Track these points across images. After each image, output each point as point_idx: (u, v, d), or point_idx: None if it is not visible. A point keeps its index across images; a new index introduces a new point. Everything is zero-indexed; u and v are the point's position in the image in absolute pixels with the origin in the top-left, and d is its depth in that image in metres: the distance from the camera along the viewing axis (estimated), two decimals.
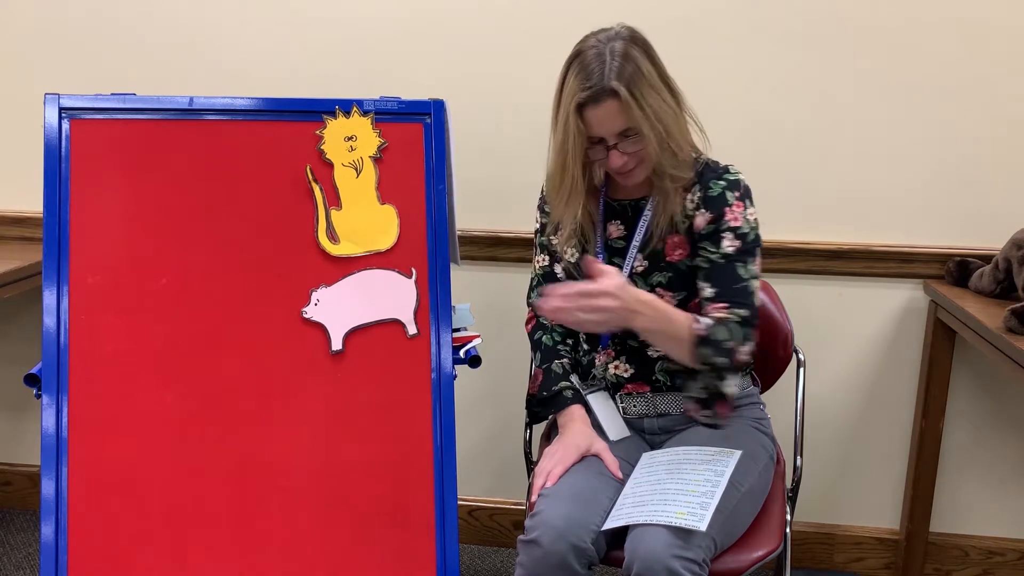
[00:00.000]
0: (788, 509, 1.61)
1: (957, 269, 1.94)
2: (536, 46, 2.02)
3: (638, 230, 1.57)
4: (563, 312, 1.35)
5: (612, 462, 1.51)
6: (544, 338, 1.69)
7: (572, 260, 1.62)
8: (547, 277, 1.69)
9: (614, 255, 1.59)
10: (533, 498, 1.48)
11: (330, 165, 1.48)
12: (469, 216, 2.04)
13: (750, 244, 1.51)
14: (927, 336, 2.02)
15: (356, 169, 1.49)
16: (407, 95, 1.52)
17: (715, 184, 1.52)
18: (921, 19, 1.91)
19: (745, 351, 1.46)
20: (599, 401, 1.63)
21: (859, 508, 2.16)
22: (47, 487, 1.38)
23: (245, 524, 1.40)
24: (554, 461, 1.50)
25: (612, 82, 1.41)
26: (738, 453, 1.47)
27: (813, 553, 2.19)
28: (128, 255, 1.45)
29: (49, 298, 1.41)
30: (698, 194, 1.53)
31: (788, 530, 1.58)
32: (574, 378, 1.64)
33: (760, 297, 1.54)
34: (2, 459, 2.43)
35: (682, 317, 1.45)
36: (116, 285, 1.44)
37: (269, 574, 1.40)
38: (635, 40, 1.46)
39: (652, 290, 1.55)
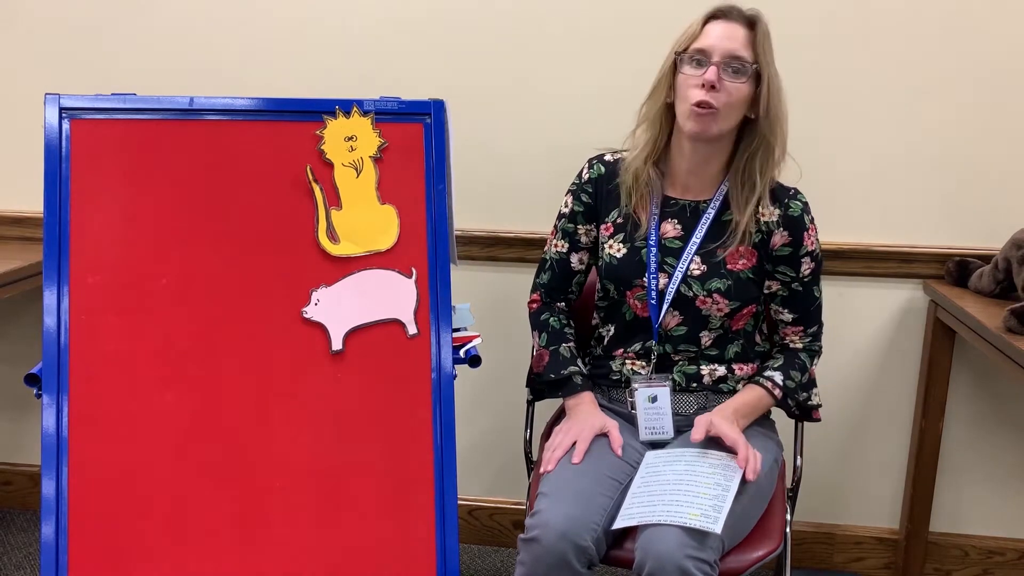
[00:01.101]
0: (788, 509, 1.62)
1: (957, 269, 1.94)
2: (537, 47, 2.02)
3: (697, 231, 1.57)
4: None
5: (617, 440, 1.53)
6: (551, 320, 1.69)
7: (618, 256, 1.61)
8: (561, 264, 1.69)
9: (667, 255, 1.58)
10: (550, 467, 1.50)
11: (330, 165, 1.48)
12: (469, 216, 2.04)
13: (820, 263, 1.63)
14: (927, 336, 2.02)
15: (356, 169, 1.49)
16: (407, 95, 1.52)
17: (794, 204, 1.57)
18: (921, 19, 1.91)
19: (815, 363, 1.67)
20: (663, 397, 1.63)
21: (859, 508, 2.16)
22: (47, 487, 1.38)
23: (245, 524, 1.40)
24: (571, 437, 1.53)
25: (753, 12, 1.50)
26: None
27: (813, 553, 2.19)
28: (128, 255, 1.45)
29: (49, 298, 1.41)
30: (777, 212, 1.56)
31: (788, 530, 1.58)
32: (580, 363, 1.65)
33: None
34: (2, 459, 2.43)
35: (760, 397, 1.58)
36: (116, 285, 1.44)
37: (269, 574, 1.40)
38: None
39: (709, 295, 1.55)
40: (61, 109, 1.46)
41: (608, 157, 1.66)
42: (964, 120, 1.94)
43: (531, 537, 1.39)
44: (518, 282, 1.98)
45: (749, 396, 1.59)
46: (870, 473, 2.14)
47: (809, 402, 1.65)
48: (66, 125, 1.45)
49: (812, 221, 1.60)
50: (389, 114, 1.50)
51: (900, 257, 2.01)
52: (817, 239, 1.61)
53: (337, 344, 1.45)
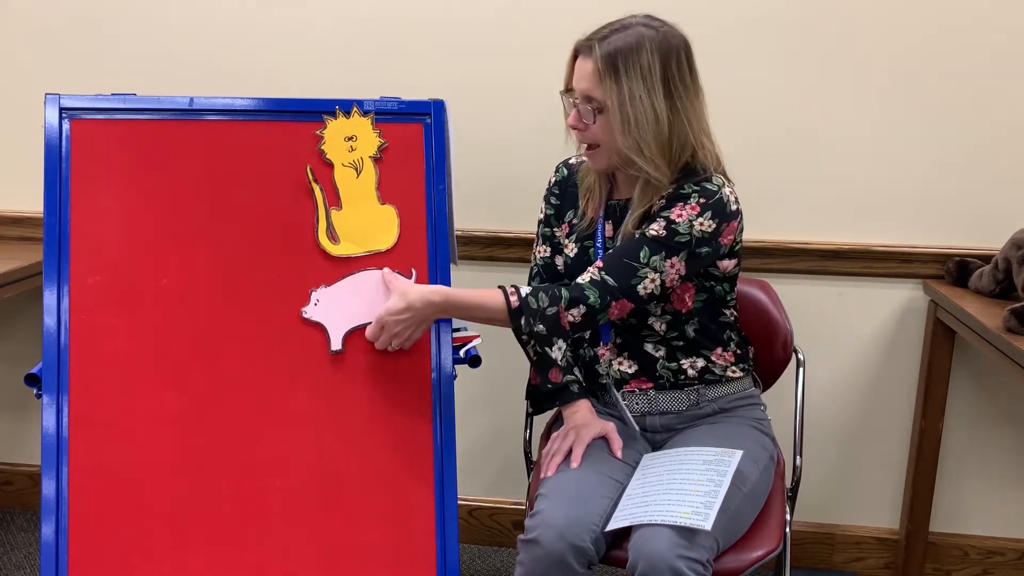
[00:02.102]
0: (788, 509, 1.62)
1: (957, 269, 1.94)
2: (536, 46, 2.02)
3: (620, 231, 1.58)
4: (384, 344, 1.44)
5: (616, 442, 1.53)
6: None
7: (571, 255, 1.63)
8: (547, 268, 1.71)
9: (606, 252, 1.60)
10: (550, 474, 1.50)
11: (330, 165, 1.49)
12: (469, 216, 2.04)
13: (674, 243, 1.46)
14: (927, 336, 2.02)
15: (356, 169, 1.49)
16: (407, 95, 1.52)
17: (688, 187, 1.50)
18: (921, 19, 1.91)
19: (574, 314, 1.45)
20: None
21: (859, 508, 2.16)
22: (47, 487, 1.38)
23: (245, 524, 1.40)
24: (568, 442, 1.53)
25: (596, 43, 1.46)
26: (739, 453, 1.48)
27: (813, 553, 2.19)
28: (128, 255, 1.45)
29: (49, 298, 1.42)
30: (670, 191, 1.51)
31: (788, 530, 1.58)
32: (577, 371, 1.65)
33: (645, 291, 1.47)
34: (2, 459, 2.43)
35: (488, 298, 1.45)
36: (116, 285, 1.44)
37: (269, 573, 1.40)
38: (659, 34, 1.47)
39: None
40: (61, 109, 1.46)
41: (572, 160, 1.70)
42: (964, 120, 1.94)
43: (530, 538, 1.39)
44: (518, 282, 1.97)
45: (473, 291, 1.47)
46: (870, 473, 2.14)
47: (548, 349, 1.53)
48: (66, 125, 1.46)
49: (701, 205, 1.47)
50: (389, 114, 1.50)
51: (900, 257, 2.00)
52: (691, 221, 1.46)
53: (337, 344, 1.45)
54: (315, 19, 2.07)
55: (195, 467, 1.41)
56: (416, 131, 1.51)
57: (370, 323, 1.46)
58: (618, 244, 1.55)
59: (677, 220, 1.47)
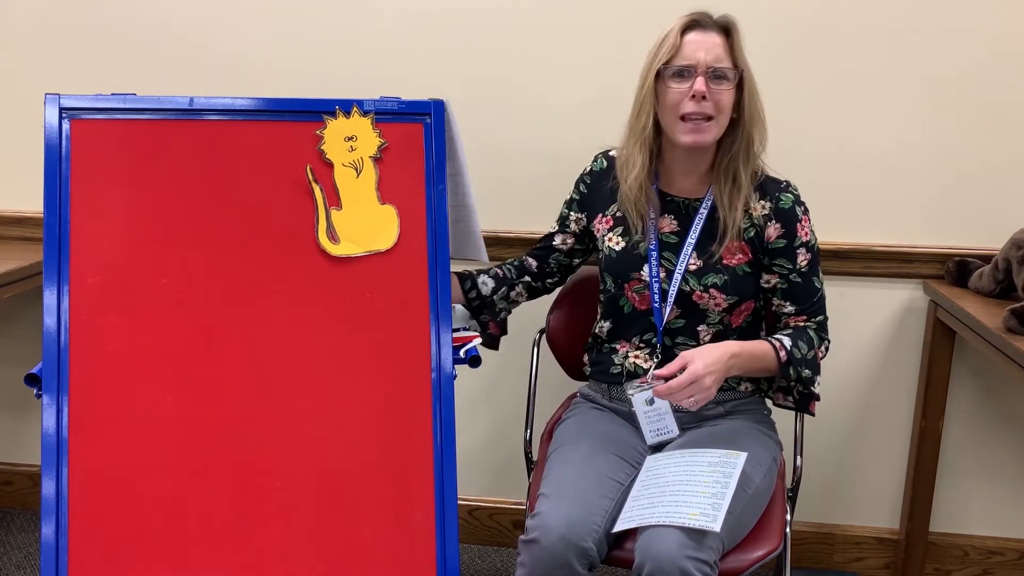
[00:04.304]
0: (788, 509, 1.62)
1: (957, 269, 1.94)
2: (538, 47, 2.02)
3: (693, 228, 1.59)
4: (685, 397, 1.45)
5: None
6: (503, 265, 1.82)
7: (617, 249, 1.63)
8: (546, 239, 1.79)
9: (665, 249, 1.61)
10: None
11: (330, 165, 1.48)
12: None
13: (816, 254, 1.62)
14: (927, 336, 2.02)
15: (356, 169, 1.49)
16: (408, 95, 1.52)
17: (784, 197, 1.58)
18: (921, 18, 1.91)
19: (823, 350, 1.63)
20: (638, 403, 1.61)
21: (859, 508, 2.17)
22: (47, 487, 1.38)
23: (245, 524, 1.40)
24: None
25: (729, 18, 1.53)
26: (744, 455, 1.48)
27: (813, 553, 2.19)
28: (128, 255, 1.45)
29: (49, 298, 1.41)
30: (768, 205, 1.57)
31: (788, 530, 1.58)
32: (482, 280, 1.76)
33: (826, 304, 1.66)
34: (2, 459, 2.43)
35: (766, 351, 1.54)
36: (116, 285, 1.44)
37: (268, 574, 1.40)
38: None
39: (706, 291, 1.57)
40: (61, 109, 1.45)
41: (613, 153, 1.69)
42: (964, 120, 1.94)
43: (531, 539, 1.39)
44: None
45: (754, 344, 1.56)
46: (870, 473, 2.14)
47: (812, 387, 1.60)
48: (66, 125, 1.45)
49: (805, 212, 1.60)
50: (389, 114, 1.50)
51: (900, 257, 2.01)
52: (812, 231, 1.61)
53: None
54: (316, 19, 2.07)
55: (195, 467, 1.41)
56: (416, 131, 1.51)
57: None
58: (716, 248, 1.57)
59: (807, 239, 1.60)
